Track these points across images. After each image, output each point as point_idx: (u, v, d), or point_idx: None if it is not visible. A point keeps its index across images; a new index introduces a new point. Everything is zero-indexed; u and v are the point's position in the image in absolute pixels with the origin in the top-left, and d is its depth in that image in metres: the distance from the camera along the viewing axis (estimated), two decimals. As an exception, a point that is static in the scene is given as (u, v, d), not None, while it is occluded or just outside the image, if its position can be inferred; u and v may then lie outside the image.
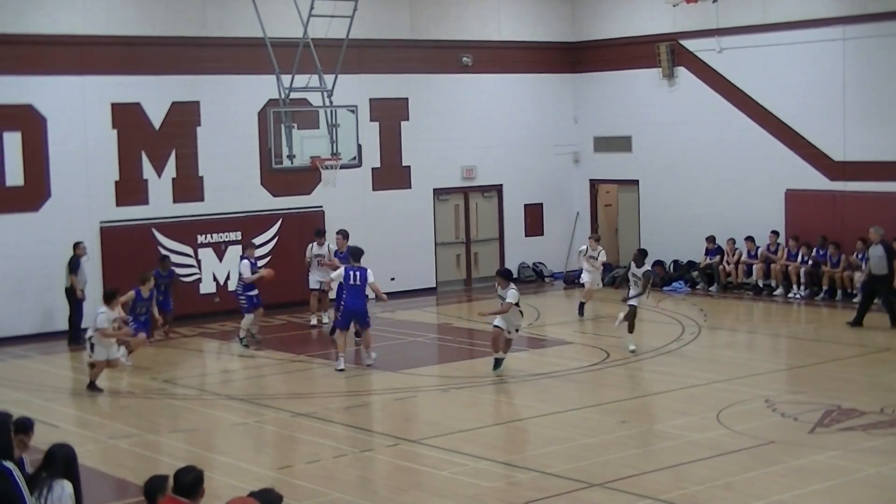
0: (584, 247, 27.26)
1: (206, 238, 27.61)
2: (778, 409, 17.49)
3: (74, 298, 24.67)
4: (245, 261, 24.29)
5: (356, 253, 21.99)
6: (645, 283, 22.36)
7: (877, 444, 15.43)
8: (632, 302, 22.32)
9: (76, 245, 24.85)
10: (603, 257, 26.93)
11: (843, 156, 28.13)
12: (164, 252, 26.29)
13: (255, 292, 24.11)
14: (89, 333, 20.31)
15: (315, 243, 26.06)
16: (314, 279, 26.04)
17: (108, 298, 20.42)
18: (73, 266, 24.62)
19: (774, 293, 28.75)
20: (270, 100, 26.28)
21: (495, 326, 20.62)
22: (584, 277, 27.01)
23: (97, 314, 20.22)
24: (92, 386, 20.09)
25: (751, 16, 29.57)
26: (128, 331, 21.07)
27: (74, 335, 24.36)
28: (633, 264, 22.83)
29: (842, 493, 13.55)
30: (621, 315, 22.60)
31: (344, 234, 25.12)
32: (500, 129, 32.22)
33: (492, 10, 32.07)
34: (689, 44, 30.98)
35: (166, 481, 8.95)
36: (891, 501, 13.24)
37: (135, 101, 26.82)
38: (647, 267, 22.93)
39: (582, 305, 26.89)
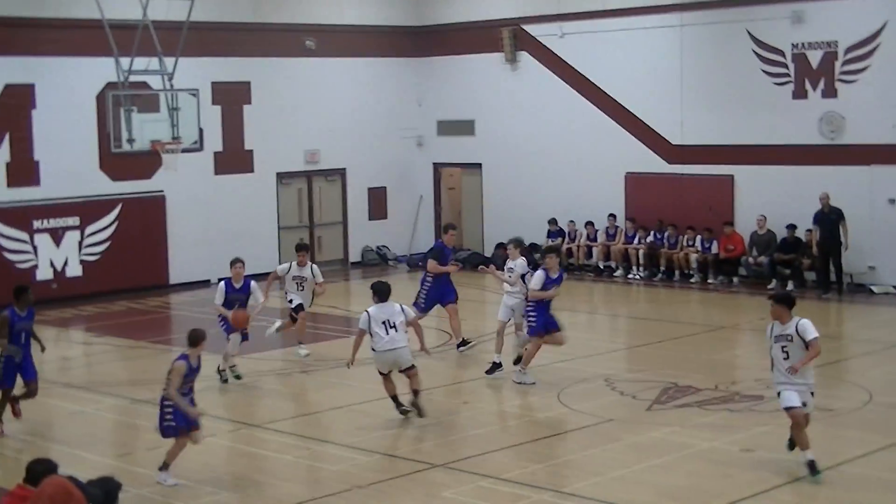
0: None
1: (42, 224, 26.98)
2: (617, 387, 17.83)
3: None
4: (222, 283, 19.18)
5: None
6: None
7: (711, 420, 15.85)
8: None
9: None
10: (521, 269, 18.92)
11: (681, 140, 28.76)
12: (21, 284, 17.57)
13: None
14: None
15: (295, 262, 20.72)
16: (296, 298, 20.62)
17: (383, 294, 16.16)
18: None
19: (615, 274, 29.29)
20: (109, 83, 25.77)
21: None
22: (501, 308, 19.29)
23: (397, 310, 16.06)
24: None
25: (591, 2, 29.96)
26: None
27: None
28: None
29: (677, 468, 13.87)
30: None
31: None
32: (344, 112, 32.12)
33: (335, -7, 32.01)
34: (531, 29, 31.29)
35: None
36: (724, 475, 13.59)
37: (-33, 82, 26.12)
38: None
39: (519, 358, 18.54)
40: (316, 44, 31.49)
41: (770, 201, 27.21)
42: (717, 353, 20.41)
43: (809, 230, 26.16)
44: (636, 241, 29.11)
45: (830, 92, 26.50)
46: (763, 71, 27.31)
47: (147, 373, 19.84)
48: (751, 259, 27.28)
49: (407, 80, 33.51)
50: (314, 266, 20.86)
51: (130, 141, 23.63)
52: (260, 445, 15.40)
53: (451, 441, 15.20)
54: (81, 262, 27.43)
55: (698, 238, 28.05)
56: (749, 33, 27.40)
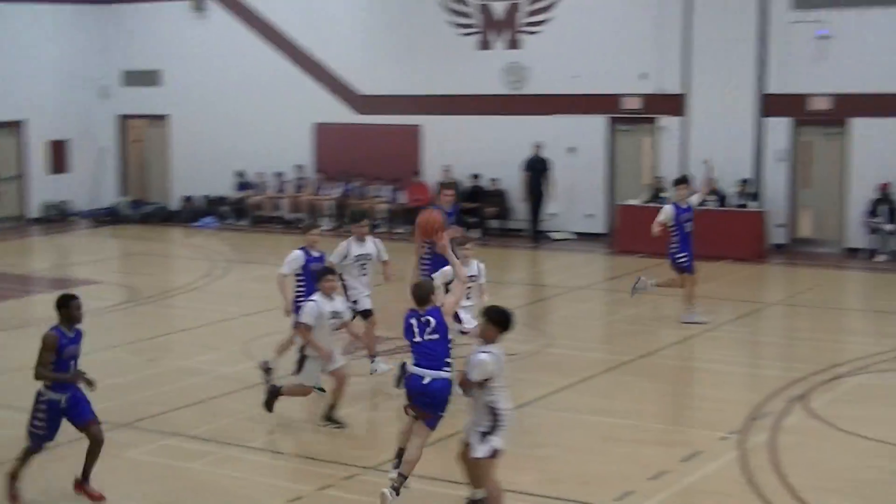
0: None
1: None
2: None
3: None
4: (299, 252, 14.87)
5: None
6: None
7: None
8: None
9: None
10: (475, 271, 14.68)
11: (369, 90, 28.85)
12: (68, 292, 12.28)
13: None
14: None
15: (352, 238, 15.25)
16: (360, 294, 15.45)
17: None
18: None
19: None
20: None
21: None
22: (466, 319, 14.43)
23: None
24: None
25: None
26: None
27: None
28: None
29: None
30: None
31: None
32: (22, 61, 30.70)
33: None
34: (217, -24, 30.76)
35: None
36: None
37: None
38: None
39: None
40: (-10, -11, 29.99)
41: (456, 151, 27.69)
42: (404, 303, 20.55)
43: (493, 179, 26.78)
44: (325, 192, 29.08)
45: (514, 43, 27.09)
46: (449, 22, 27.65)
47: None
48: (438, 208, 27.66)
49: (89, 27, 32.31)
50: (377, 240, 15.56)
51: None
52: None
53: (136, 399, 14.75)
54: None
55: (386, 188, 28.28)
56: (434, -16, 27.73)
